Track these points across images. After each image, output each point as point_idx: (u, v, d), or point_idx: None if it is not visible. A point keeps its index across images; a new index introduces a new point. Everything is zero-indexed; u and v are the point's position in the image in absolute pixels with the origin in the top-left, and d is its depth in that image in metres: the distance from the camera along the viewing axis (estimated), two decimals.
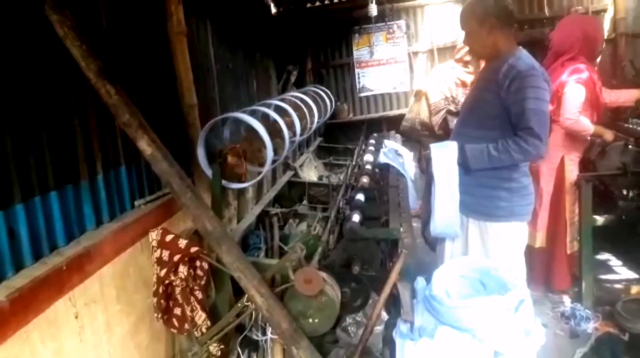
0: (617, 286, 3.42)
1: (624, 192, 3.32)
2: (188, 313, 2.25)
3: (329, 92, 6.04)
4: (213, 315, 2.40)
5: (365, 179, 3.07)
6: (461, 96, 5.26)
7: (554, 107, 3.09)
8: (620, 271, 3.62)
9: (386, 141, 4.15)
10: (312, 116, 4.55)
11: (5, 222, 1.62)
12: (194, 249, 2.22)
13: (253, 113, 3.36)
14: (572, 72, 3.11)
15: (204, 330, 2.28)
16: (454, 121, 5.19)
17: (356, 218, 2.38)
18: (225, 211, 3.28)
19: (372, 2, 5.56)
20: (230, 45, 4.07)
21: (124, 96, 1.97)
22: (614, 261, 3.73)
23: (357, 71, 6.82)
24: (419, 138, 5.49)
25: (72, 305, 1.79)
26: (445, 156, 2.30)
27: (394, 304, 2.03)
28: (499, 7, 2.27)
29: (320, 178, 5.48)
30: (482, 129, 2.31)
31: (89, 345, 1.89)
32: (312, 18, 6.44)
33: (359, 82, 6.84)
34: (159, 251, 2.24)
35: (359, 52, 6.78)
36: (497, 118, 2.26)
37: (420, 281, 1.94)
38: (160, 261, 2.23)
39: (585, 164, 3.36)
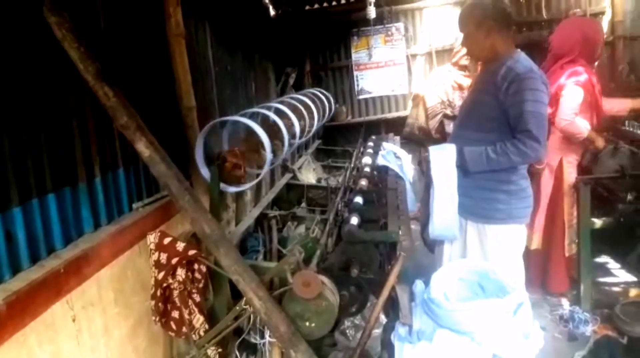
0: (616, 289, 3.42)
1: (623, 195, 3.32)
2: (186, 316, 2.24)
3: (327, 94, 6.05)
4: (211, 318, 2.39)
5: (363, 182, 3.07)
6: (458, 99, 5.28)
7: (553, 110, 3.09)
8: (618, 274, 3.62)
9: (385, 144, 4.15)
10: (311, 118, 4.55)
11: (3, 225, 1.62)
12: (192, 252, 2.22)
13: (252, 116, 3.36)
14: (570, 75, 3.12)
15: (201, 333, 2.28)
16: (451, 125, 5.22)
17: (355, 220, 2.38)
18: (224, 214, 3.28)
19: (370, 5, 5.56)
20: (229, 47, 4.07)
21: (122, 99, 1.97)
22: (613, 264, 3.73)
23: (355, 73, 6.83)
24: (421, 141, 5.52)
25: (70, 308, 1.78)
26: (443, 158, 2.30)
27: (392, 307, 2.03)
28: (497, 10, 2.28)
29: (318, 180, 5.47)
30: (481, 132, 2.31)
31: (87, 348, 1.88)
32: (310, 20, 6.44)
33: (358, 85, 6.85)
34: (157, 254, 2.23)
35: (358, 55, 6.79)
36: (496, 121, 2.26)
37: (418, 284, 1.94)
38: (158, 264, 2.22)
39: (583, 167, 3.37)
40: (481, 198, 2.33)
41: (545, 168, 3.24)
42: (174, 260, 2.19)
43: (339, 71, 6.92)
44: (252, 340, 2.40)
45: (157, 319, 2.29)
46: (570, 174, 3.22)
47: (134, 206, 2.40)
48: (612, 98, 3.53)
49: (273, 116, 3.46)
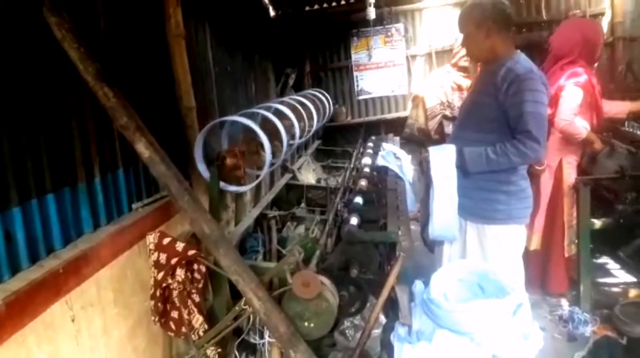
0: (615, 289, 3.42)
1: (622, 195, 3.32)
2: (185, 316, 2.24)
3: (327, 95, 6.06)
4: (210, 318, 2.39)
5: (363, 182, 3.07)
6: (457, 100, 5.29)
7: (552, 110, 3.09)
8: (618, 274, 3.61)
9: (384, 144, 4.15)
10: (310, 118, 4.55)
11: (2, 225, 1.62)
12: (191, 252, 2.22)
13: (252, 116, 3.36)
14: (570, 76, 3.12)
15: (201, 333, 2.28)
16: (450, 126, 5.24)
17: (354, 221, 2.38)
18: (223, 214, 3.28)
19: (370, 6, 5.56)
20: (229, 48, 4.07)
21: (121, 99, 1.97)
22: (612, 265, 3.73)
23: (355, 73, 6.83)
24: (420, 142, 5.54)
25: (69, 308, 1.78)
26: (443, 159, 2.30)
27: (392, 307, 2.03)
28: (496, 11, 2.27)
29: (318, 180, 5.47)
30: (481, 132, 2.31)
31: (86, 348, 1.88)
32: (310, 21, 6.44)
33: (358, 85, 6.85)
34: (156, 254, 2.23)
35: (358, 55, 6.79)
36: (495, 121, 2.26)
37: (418, 285, 1.94)
38: (157, 264, 2.22)
39: (583, 168, 3.37)
40: (481, 198, 2.33)
41: (546, 169, 3.24)
42: (174, 260, 2.19)
43: (339, 71, 6.93)
44: (252, 340, 2.40)
45: (157, 319, 2.29)
46: (570, 175, 3.22)
47: (134, 206, 2.40)
48: (610, 100, 3.53)
49: (272, 117, 3.46)
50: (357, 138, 6.22)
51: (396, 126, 6.26)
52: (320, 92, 5.84)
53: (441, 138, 5.35)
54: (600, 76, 3.50)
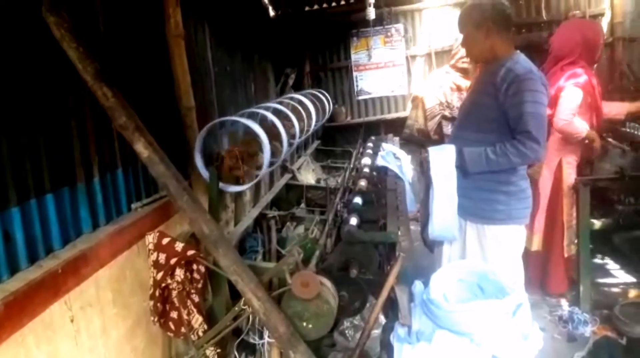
0: (615, 290, 3.42)
1: (622, 196, 3.32)
2: (185, 316, 2.24)
3: (327, 95, 6.05)
4: (210, 318, 2.39)
5: (363, 183, 3.07)
6: (457, 100, 5.29)
7: (552, 111, 3.09)
8: (617, 274, 3.62)
9: (384, 144, 4.15)
10: (310, 118, 4.55)
11: (1, 225, 1.61)
12: (190, 252, 2.21)
13: (251, 116, 3.36)
14: (570, 77, 3.12)
15: (200, 333, 2.27)
16: (449, 126, 5.24)
17: (354, 221, 2.38)
18: (223, 214, 3.28)
19: (370, 6, 5.56)
20: (228, 48, 4.07)
21: (120, 99, 1.97)
22: (612, 265, 3.73)
23: (355, 74, 6.83)
24: (420, 142, 5.54)
25: (68, 308, 1.78)
26: (443, 159, 2.30)
27: (391, 308, 2.02)
28: (496, 11, 2.27)
29: (318, 180, 5.47)
30: (480, 133, 2.31)
31: (85, 348, 1.87)
32: (310, 21, 6.44)
33: (357, 85, 6.85)
34: (155, 254, 2.23)
35: (357, 56, 6.79)
36: (495, 122, 2.26)
37: (418, 285, 1.94)
38: (156, 265, 2.22)
39: (583, 168, 3.37)
40: (481, 198, 2.32)
41: (544, 169, 3.24)
42: (173, 260, 2.18)
43: (339, 71, 6.93)
44: (251, 341, 2.39)
45: (156, 319, 2.28)
46: (570, 175, 3.22)
47: (133, 206, 2.39)
48: (609, 101, 3.53)
49: (272, 117, 3.46)
50: (356, 138, 6.22)
51: (396, 126, 6.26)
52: (320, 92, 5.84)
53: (440, 138, 5.36)
54: (600, 77, 3.50)
